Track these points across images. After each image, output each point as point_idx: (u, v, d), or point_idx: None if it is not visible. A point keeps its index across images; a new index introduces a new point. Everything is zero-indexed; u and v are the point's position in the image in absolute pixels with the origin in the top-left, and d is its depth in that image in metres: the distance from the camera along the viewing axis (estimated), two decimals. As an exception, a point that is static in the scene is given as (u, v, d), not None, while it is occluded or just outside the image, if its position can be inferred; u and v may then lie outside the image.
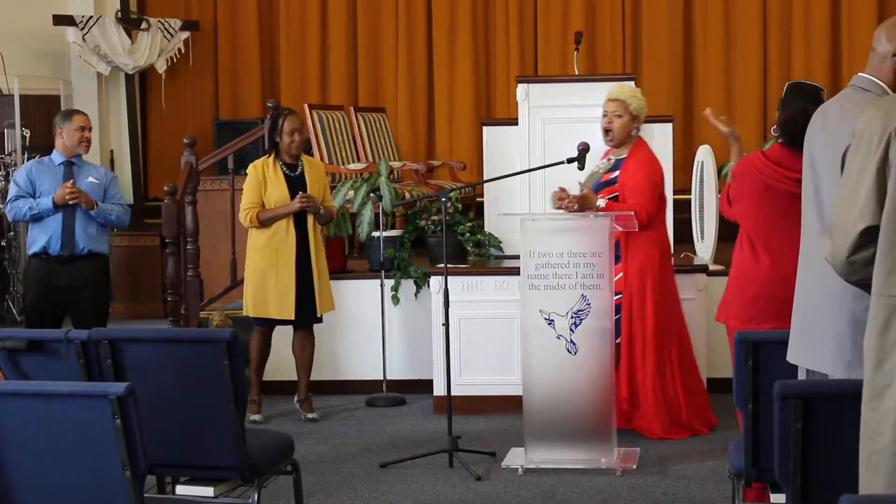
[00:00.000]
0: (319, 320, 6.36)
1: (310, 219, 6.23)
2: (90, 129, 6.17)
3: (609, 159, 5.84)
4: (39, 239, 6.01)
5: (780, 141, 4.53)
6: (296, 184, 6.22)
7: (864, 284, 2.73)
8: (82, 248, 6.02)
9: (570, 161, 5.62)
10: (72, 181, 5.97)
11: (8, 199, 6.12)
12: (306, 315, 6.25)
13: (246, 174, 6.34)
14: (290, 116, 6.24)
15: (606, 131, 5.75)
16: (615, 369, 5.67)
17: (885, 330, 2.63)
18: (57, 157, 6.12)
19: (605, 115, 5.74)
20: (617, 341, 5.68)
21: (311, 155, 8.41)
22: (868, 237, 2.67)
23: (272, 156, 6.24)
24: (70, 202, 5.93)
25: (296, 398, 6.49)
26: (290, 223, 6.17)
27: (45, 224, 5.99)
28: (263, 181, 6.17)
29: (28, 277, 6.29)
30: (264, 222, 6.14)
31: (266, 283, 6.15)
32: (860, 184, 2.69)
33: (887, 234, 2.65)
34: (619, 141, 5.76)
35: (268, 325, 6.29)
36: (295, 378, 6.72)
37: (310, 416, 6.37)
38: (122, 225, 6.31)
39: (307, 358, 6.39)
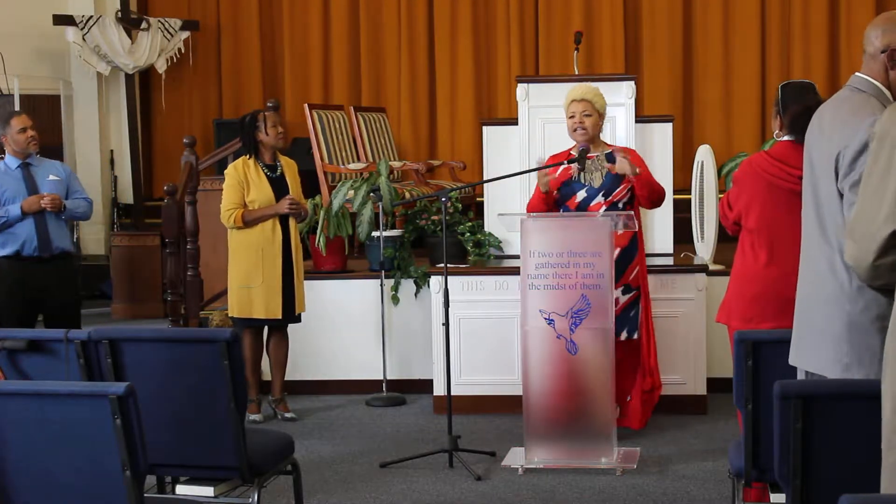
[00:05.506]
0: (298, 320, 6.36)
1: (291, 219, 6.25)
2: (32, 127, 6.18)
3: (598, 155, 5.76)
4: (10, 243, 6.05)
5: (788, 138, 4.51)
6: (278, 185, 6.23)
7: (887, 289, 2.66)
8: (56, 248, 6.11)
9: (570, 162, 5.64)
10: (48, 195, 6.03)
11: None
12: (287, 315, 6.23)
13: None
14: (269, 112, 6.35)
15: (578, 129, 5.70)
16: (638, 365, 5.79)
17: None
18: (12, 161, 6.16)
19: (572, 117, 5.71)
20: (635, 337, 5.73)
21: (311, 155, 8.42)
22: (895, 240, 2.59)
23: (251, 157, 6.23)
24: (43, 208, 6.01)
25: (270, 398, 6.44)
26: (277, 223, 6.17)
27: (16, 229, 6.04)
28: (245, 182, 6.16)
29: None
30: (249, 223, 6.14)
31: (251, 283, 6.12)
32: (885, 185, 2.59)
33: None
34: (591, 137, 5.77)
35: (253, 325, 6.24)
36: (295, 378, 6.73)
37: (287, 415, 6.33)
38: (87, 218, 6.49)
39: (282, 358, 6.37)
